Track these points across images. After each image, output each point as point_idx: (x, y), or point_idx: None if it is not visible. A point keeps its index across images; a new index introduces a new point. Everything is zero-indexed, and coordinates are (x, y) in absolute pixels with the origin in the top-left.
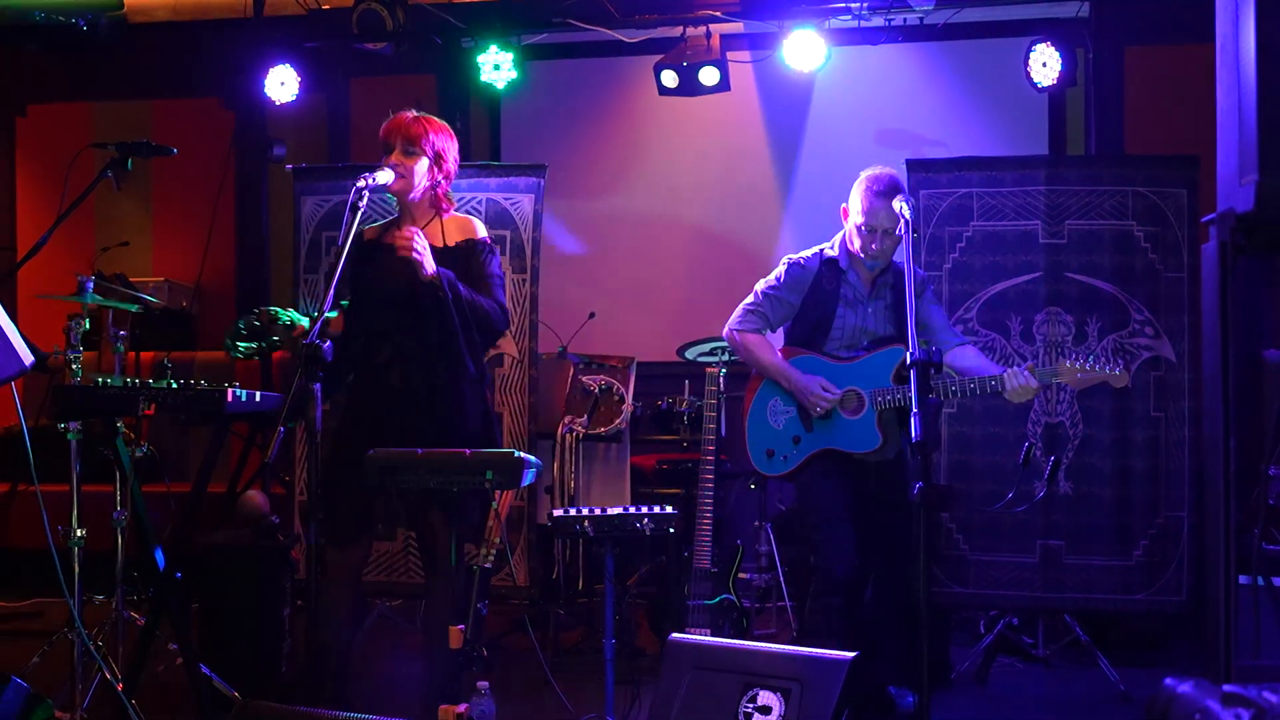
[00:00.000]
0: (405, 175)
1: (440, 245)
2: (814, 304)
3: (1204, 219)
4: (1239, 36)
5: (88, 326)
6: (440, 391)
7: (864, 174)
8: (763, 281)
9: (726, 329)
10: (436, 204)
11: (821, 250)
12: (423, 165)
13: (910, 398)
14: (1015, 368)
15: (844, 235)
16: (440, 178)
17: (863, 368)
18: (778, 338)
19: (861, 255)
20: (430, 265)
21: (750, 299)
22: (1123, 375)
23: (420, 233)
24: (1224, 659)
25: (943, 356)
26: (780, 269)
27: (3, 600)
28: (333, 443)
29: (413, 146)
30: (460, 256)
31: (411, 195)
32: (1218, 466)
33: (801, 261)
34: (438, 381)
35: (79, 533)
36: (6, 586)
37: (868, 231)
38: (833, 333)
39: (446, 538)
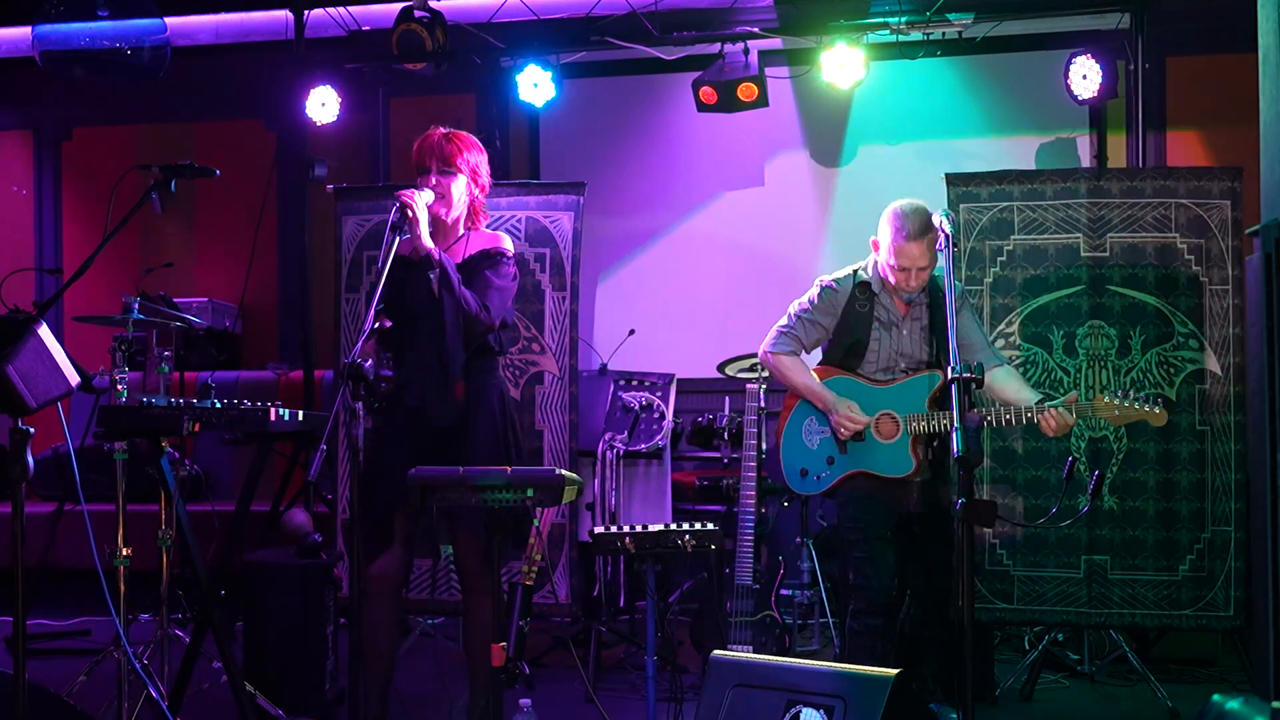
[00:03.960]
0: (444, 195)
1: (462, 259)
2: (848, 327)
3: (1248, 230)
4: None
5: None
6: (449, 403)
7: (891, 209)
8: (796, 303)
9: (761, 350)
10: (471, 219)
11: (855, 271)
12: (460, 183)
13: (944, 424)
14: (1052, 406)
15: (877, 263)
16: (476, 192)
17: (898, 392)
18: (815, 357)
19: (897, 285)
20: (426, 238)
21: (784, 321)
22: (1161, 414)
23: (419, 195)
24: (1273, 675)
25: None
26: (813, 290)
27: (50, 619)
28: (364, 460)
29: (448, 166)
30: (474, 264)
31: (449, 214)
32: (1264, 480)
33: (834, 285)
34: (447, 393)
35: (125, 552)
36: (54, 605)
37: (900, 270)
38: (868, 355)
39: (469, 555)
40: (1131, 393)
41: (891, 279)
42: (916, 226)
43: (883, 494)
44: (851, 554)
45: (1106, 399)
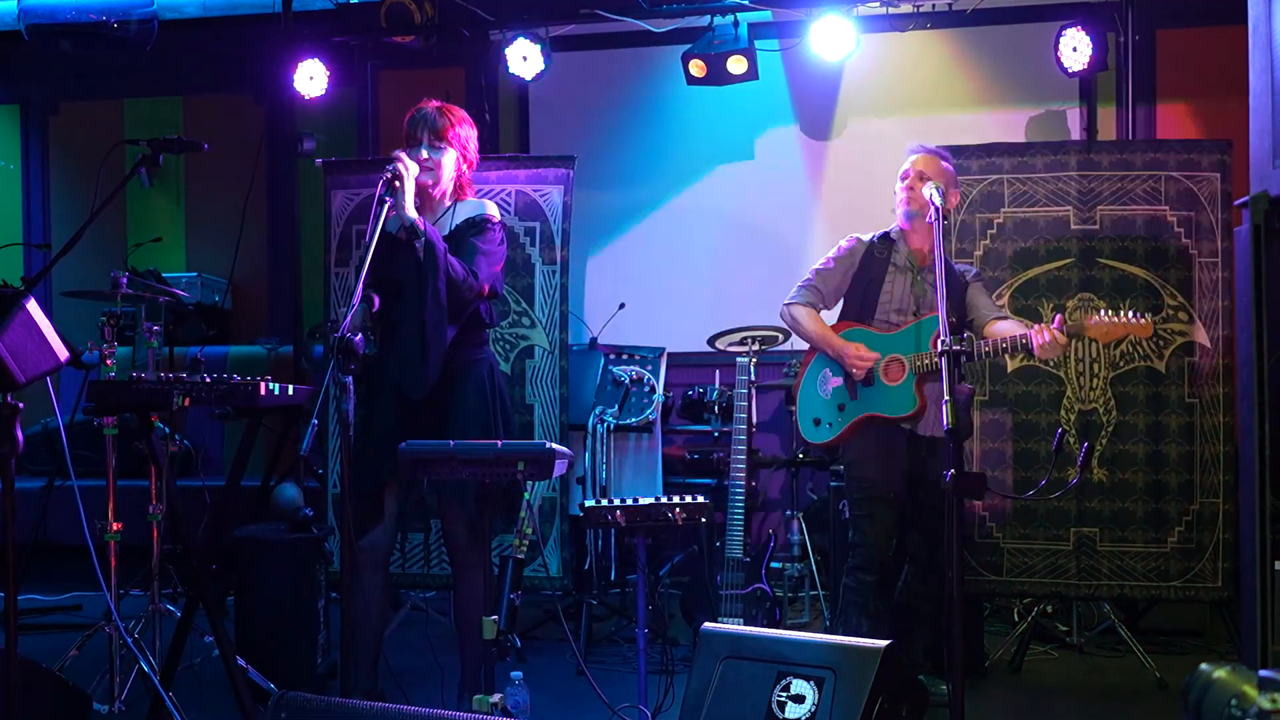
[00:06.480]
0: (433, 169)
1: (449, 230)
2: (865, 271)
3: (1237, 202)
4: (1271, 18)
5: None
6: (424, 377)
7: None
8: (817, 262)
9: (781, 304)
10: (458, 193)
11: (879, 229)
12: (450, 158)
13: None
14: (1041, 324)
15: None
16: (464, 167)
17: (905, 335)
18: (832, 317)
19: (902, 211)
20: (411, 208)
21: (805, 277)
22: (1147, 324)
23: (407, 160)
24: (1260, 644)
25: (981, 330)
26: (834, 248)
27: (41, 594)
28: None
29: (439, 139)
30: (460, 233)
31: (437, 188)
32: (1251, 452)
33: (858, 237)
34: (423, 366)
35: (115, 527)
36: (45, 581)
37: (903, 181)
38: (881, 297)
39: (458, 529)
40: (1118, 311)
41: (899, 198)
42: (928, 146)
43: (893, 455)
44: (852, 511)
45: (1095, 319)
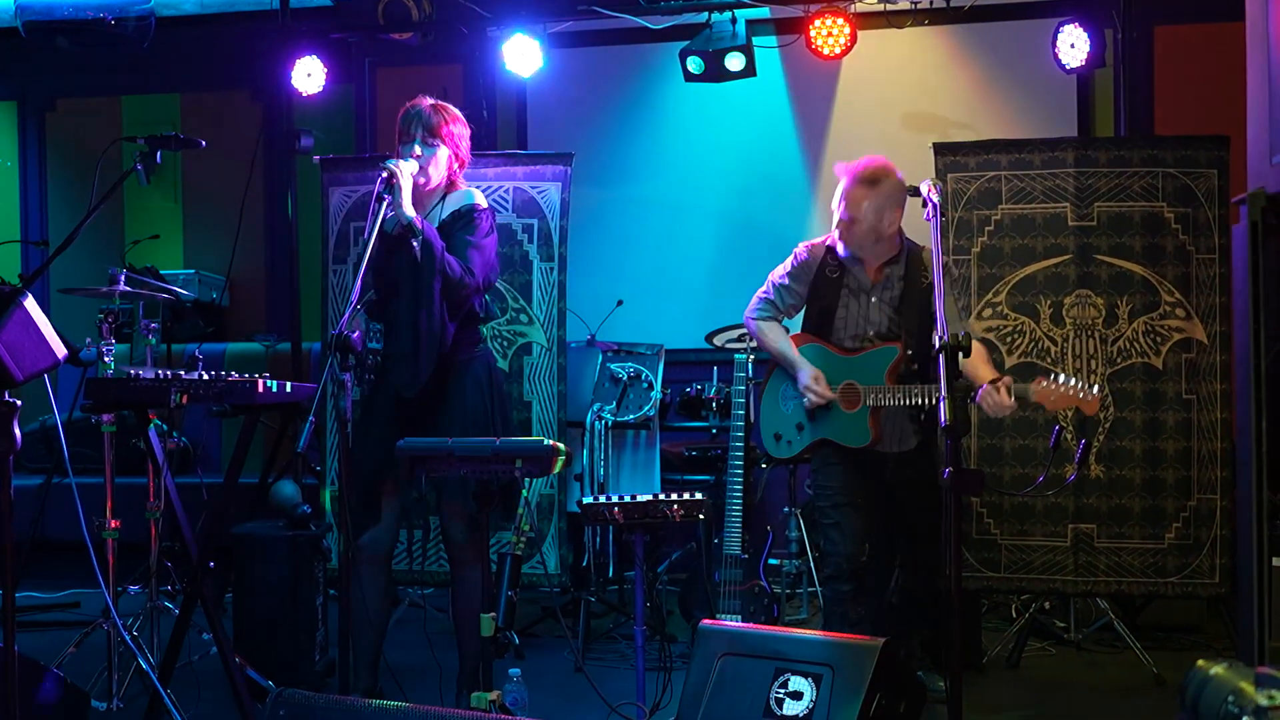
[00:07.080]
0: (426, 165)
1: (437, 225)
2: (819, 293)
3: (1234, 199)
4: (1269, 15)
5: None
6: (417, 375)
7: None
8: (775, 270)
9: (744, 315)
10: (447, 189)
11: (828, 238)
12: (443, 155)
13: (898, 399)
14: (989, 384)
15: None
16: (455, 166)
17: (863, 362)
18: (797, 324)
19: (840, 235)
20: (409, 206)
21: (764, 287)
22: (1093, 401)
23: (404, 164)
24: (1258, 641)
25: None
26: (789, 258)
27: (39, 592)
28: (352, 430)
29: (433, 137)
30: (448, 227)
31: (428, 185)
32: (1249, 447)
33: (807, 250)
34: (416, 364)
35: (113, 524)
36: (43, 578)
37: (842, 222)
38: (836, 322)
39: (456, 526)
40: (1067, 377)
41: (835, 230)
42: (866, 173)
43: (854, 461)
44: (820, 521)
45: (1045, 384)
